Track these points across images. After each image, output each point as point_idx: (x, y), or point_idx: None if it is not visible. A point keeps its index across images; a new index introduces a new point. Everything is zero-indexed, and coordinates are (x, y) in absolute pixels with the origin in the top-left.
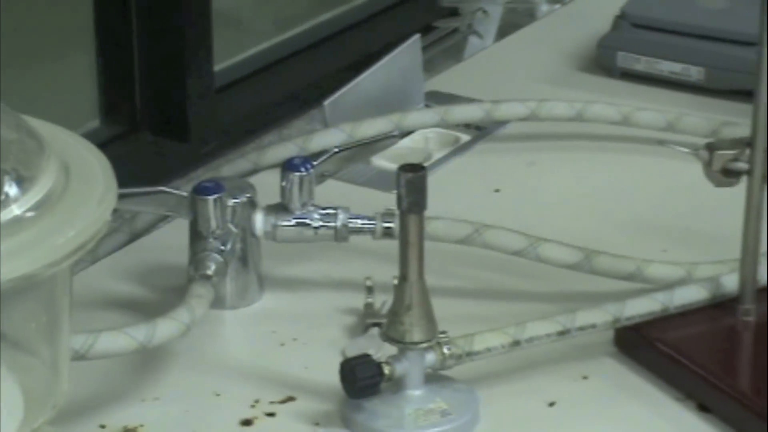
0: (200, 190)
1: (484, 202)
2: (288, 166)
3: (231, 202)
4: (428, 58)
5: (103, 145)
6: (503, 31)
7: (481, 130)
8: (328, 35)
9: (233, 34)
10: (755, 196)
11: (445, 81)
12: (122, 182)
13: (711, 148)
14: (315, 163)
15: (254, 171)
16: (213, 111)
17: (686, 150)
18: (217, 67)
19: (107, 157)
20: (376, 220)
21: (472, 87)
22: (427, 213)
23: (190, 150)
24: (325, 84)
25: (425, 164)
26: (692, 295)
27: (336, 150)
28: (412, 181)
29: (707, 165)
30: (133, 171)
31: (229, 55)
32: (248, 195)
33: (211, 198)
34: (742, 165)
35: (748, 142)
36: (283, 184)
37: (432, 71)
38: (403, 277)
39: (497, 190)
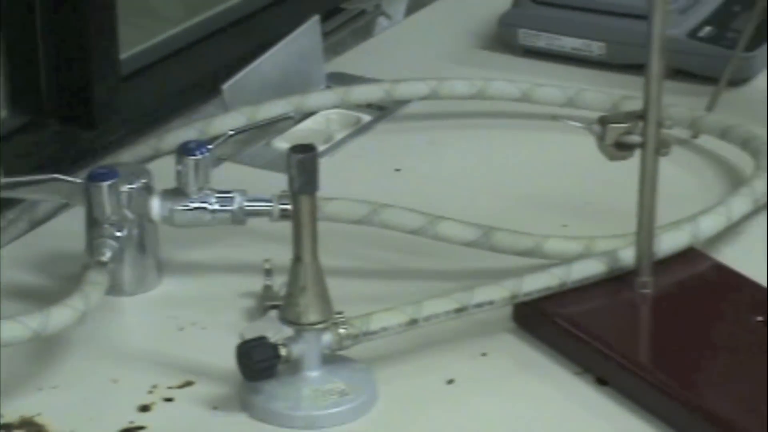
0: (94, 177)
1: (385, 181)
2: (183, 151)
3: (126, 187)
4: (338, 39)
5: (9, 135)
6: (413, 11)
7: (382, 110)
8: (236, 19)
9: (140, 20)
10: (649, 169)
11: (348, 61)
12: (29, 171)
13: (604, 122)
14: (210, 146)
15: (155, 156)
16: (120, 98)
17: (579, 125)
18: (124, 54)
19: (14, 147)
20: (273, 202)
21: (375, 67)
22: (327, 193)
23: (98, 138)
24: (235, 68)
25: (327, 145)
26: (590, 269)
27: (231, 133)
28: (303, 162)
29: (600, 139)
30: (40, 160)
31: (136, 42)
32: (144, 180)
33: (104, 184)
34: (635, 138)
35: (641, 115)
36: (179, 168)
37: (342, 53)
38: (297, 259)
39: (398, 170)
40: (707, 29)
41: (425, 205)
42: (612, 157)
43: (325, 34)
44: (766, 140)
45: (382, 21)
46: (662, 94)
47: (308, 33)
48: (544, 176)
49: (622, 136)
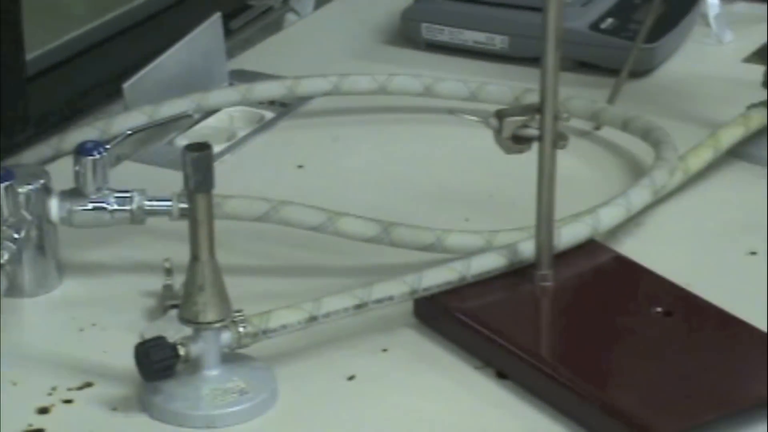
0: None
1: (287, 178)
2: (80, 151)
3: (23, 189)
4: (247, 36)
5: None
6: (320, 5)
7: (285, 107)
8: (142, 18)
9: (46, 20)
10: (546, 162)
11: (252, 58)
12: None
13: (500, 115)
14: (108, 146)
15: (56, 156)
16: (26, 100)
17: (475, 119)
18: (30, 55)
19: None
20: (172, 201)
21: (279, 63)
22: (229, 191)
23: (3, 140)
24: (142, 67)
25: (230, 143)
26: (489, 263)
27: (129, 132)
28: (198, 161)
29: (497, 132)
30: None
31: (42, 42)
32: (42, 181)
33: (1, 186)
34: (532, 131)
35: (538, 108)
36: (77, 168)
37: (247, 50)
38: (195, 257)
39: (301, 167)
40: (609, 21)
41: (328, 201)
42: (509, 151)
43: (234, 31)
44: (666, 131)
45: (291, 17)
46: (558, 86)
47: (210, 31)
48: (447, 171)
49: (519, 130)
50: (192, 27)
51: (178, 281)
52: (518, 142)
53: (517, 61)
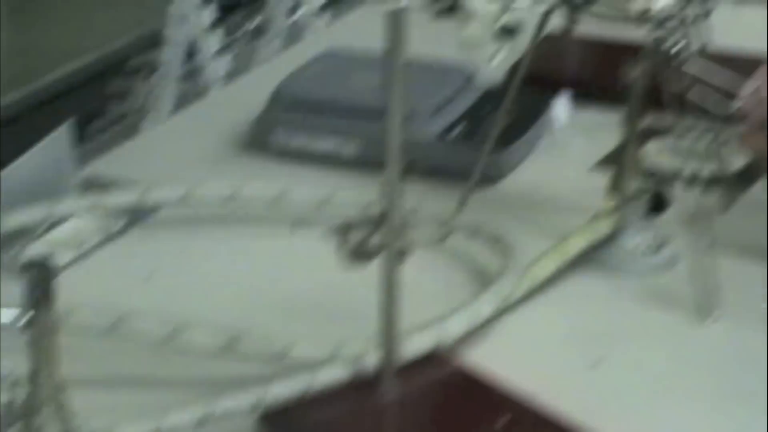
0: None
1: (135, 289)
2: None
3: None
4: (103, 141)
5: None
6: (179, 109)
7: (134, 216)
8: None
9: None
10: (389, 275)
11: (107, 164)
12: None
13: (342, 229)
14: None
15: None
16: None
17: (319, 233)
18: None
19: None
20: (16, 314)
21: (134, 169)
22: (75, 302)
23: None
24: None
25: (77, 253)
26: (334, 374)
27: None
28: (38, 276)
29: (341, 245)
30: None
31: None
32: None
33: None
34: (375, 242)
35: (381, 220)
36: None
37: (102, 155)
38: (35, 372)
39: (149, 277)
40: (459, 129)
41: (176, 313)
42: (352, 264)
43: (90, 137)
44: (513, 240)
45: (148, 122)
46: (402, 197)
47: (60, 138)
48: (298, 280)
49: (362, 242)
50: (48, 132)
51: (21, 395)
52: (361, 254)
53: (370, 167)
